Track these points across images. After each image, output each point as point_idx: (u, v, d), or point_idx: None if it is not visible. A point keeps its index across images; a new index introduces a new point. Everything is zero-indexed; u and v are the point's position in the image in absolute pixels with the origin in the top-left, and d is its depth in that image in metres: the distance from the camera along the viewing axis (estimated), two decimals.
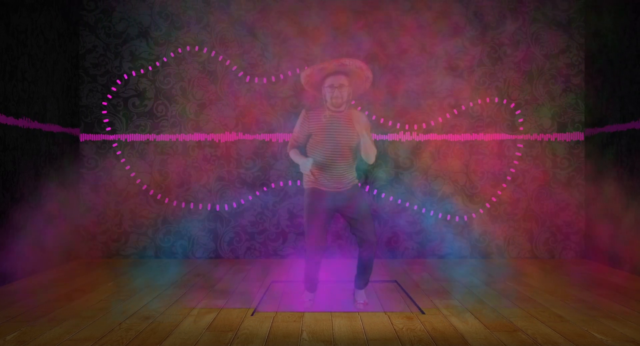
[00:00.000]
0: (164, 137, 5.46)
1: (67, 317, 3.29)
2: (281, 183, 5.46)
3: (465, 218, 5.48)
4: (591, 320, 3.24)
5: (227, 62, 5.47)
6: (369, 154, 3.42)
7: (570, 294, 3.91)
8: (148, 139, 5.46)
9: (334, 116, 3.49)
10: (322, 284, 4.01)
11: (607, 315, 3.35)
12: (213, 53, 5.47)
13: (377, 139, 5.45)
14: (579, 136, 5.48)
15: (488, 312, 3.43)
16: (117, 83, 5.46)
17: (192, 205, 5.45)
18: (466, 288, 4.14)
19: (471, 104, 5.49)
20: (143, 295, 3.88)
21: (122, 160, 5.45)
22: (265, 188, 5.46)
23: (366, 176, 5.43)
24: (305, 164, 3.37)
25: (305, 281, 3.63)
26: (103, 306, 3.57)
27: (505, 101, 5.49)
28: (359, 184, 3.71)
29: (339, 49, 5.45)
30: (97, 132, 5.46)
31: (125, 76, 5.46)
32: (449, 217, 5.47)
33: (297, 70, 5.45)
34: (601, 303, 3.66)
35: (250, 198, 5.46)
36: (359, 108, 5.43)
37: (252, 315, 3.38)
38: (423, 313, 3.41)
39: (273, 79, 5.47)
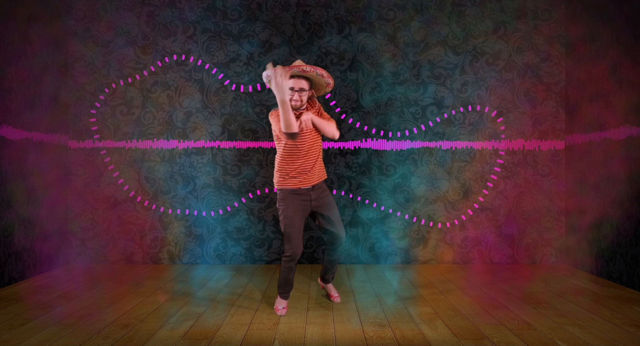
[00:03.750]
0: (151, 144, 5.55)
1: (48, 325, 3.38)
2: (267, 190, 5.55)
3: (448, 224, 5.57)
4: (558, 328, 3.33)
5: (214, 71, 5.56)
6: (327, 131, 3.57)
7: (542, 300, 4.00)
8: (135, 147, 5.55)
9: (299, 115, 3.64)
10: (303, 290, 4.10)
11: (575, 323, 3.43)
12: (199, 62, 5.55)
13: (362, 147, 5.54)
14: (560, 144, 5.57)
15: (459, 320, 3.51)
16: (105, 91, 5.55)
17: (178, 211, 5.54)
18: (442, 294, 4.23)
19: (453, 112, 5.58)
20: (125, 302, 3.97)
21: (110, 167, 5.55)
22: (250, 195, 5.55)
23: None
24: (278, 72, 3.33)
25: (283, 287, 3.72)
26: (85, 313, 3.66)
27: (487, 109, 5.58)
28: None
29: (323, 57, 5.54)
30: (85, 140, 5.55)
31: (113, 85, 5.55)
32: (431, 223, 5.56)
33: None
34: (571, 309, 3.75)
35: (236, 204, 5.55)
36: (337, 109, 5.54)
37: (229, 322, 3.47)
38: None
39: (259, 87, 5.56)
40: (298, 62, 3.59)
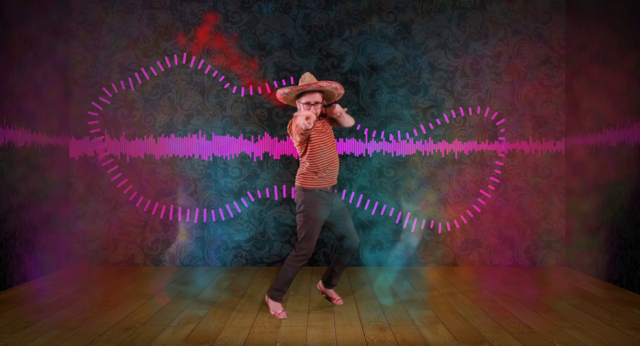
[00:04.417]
0: (152, 146, 5.56)
1: (50, 328, 3.39)
2: (267, 192, 5.56)
3: (448, 226, 5.58)
4: (558, 331, 3.34)
5: (214, 73, 5.57)
6: (349, 121, 3.84)
7: (542, 303, 4.01)
8: (137, 149, 5.56)
9: (317, 122, 3.79)
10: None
11: (574, 326, 3.45)
12: (200, 64, 5.57)
13: (362, 149, 5.56)
14: (560, 145, 5.59)
15: (459, 323, 3.53)
16: (106, 94, 5.56)
17: (179, 214, 5.55)
18: (443, 297, 4.24)
19: (454, 114, 5.59)
20: (127, 305, 3.98)
21: (111, 169, 5.56)
22: (252, 197, 5.56)
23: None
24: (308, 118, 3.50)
25: (282, 288, 3.75)
26: (87, 316, 3.67)
27: (487, 112, 5.60)
28: None
29: (324, 60, 5.56)
30: (86, 142, 5.56)
31: (114, 87, 5.56)
32: (432, 225, 5.58)
33: (283, 81, 5.55)
34: (571, 312, 3.76)
35: (236, 206, 5.56)
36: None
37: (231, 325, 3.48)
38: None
39: (259, 89, 5.58)
40: (308, 77, 3.70)
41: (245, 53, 5.57)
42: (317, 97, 3.68)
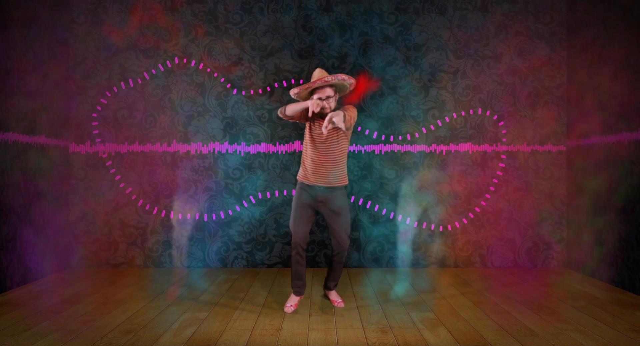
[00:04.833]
0: (152, 148, 5.56)
1: (51, 331, 3.38)
2: (268, 194, 5.56)
3: (449, 227, 5.57)
4: (560, 334, 3.33)
5: (215, 75, 5.56)
6: (340, 123, 3.45)
7: (544, 305, 4.01)
8: (137, 150, 5.55)
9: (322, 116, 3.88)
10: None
11: (576, 328, 3.44)
12: (201, 65, 5.56)
13: (363, 150, 5.55)
14: (561, 147, 5.58)
15: (461, 325, 3.52)
16: (106, 95, 5.55)
17: (180, 215, 5.54)
18: (444, 299, 4.23)
19: (455, 115, 5.58)
20: (128, 307, 3.97)
21: (112, 171, 5.55)
22: (252, 198, 5.55)
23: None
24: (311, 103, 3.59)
25: (292, 281, 3.93)
26: (88, 319, 3.67)
27: (488, 113, 5.59)
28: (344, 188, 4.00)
29: (325, 61, 5.55)
30: (87, 144, 5.55)
31: (115, 88, 5.55)
32: (432, 227, 5.57)
33: (284, 83, 5.54)
34: (573, 315, 3.75)
35: (237, 208, 5.55)
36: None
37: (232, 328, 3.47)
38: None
39: (260, 91, 5.57)
40: (317, 73, 3.81)
41: (245, 54, 5.56)
42: (328, 91, 3.75)
